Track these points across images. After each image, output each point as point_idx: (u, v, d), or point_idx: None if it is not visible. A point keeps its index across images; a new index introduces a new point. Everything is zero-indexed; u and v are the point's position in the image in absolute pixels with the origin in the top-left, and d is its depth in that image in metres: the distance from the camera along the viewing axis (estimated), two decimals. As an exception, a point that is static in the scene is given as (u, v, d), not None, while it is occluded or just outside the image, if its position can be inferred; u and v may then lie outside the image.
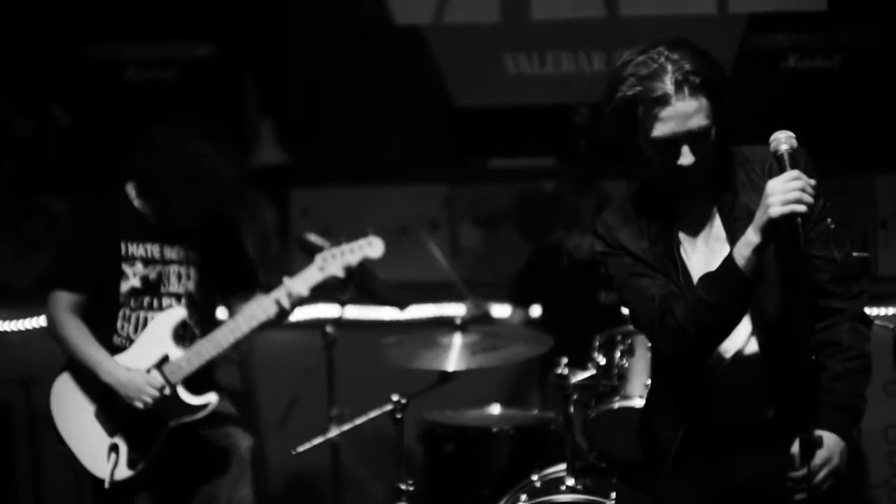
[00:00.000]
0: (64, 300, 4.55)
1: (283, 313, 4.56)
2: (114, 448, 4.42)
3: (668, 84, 2.92)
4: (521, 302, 6.14)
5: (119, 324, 4.57)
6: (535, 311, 6.18)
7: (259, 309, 4.55)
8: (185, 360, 4.53)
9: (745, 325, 3.08)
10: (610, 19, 6.88)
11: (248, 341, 4.86)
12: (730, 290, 2.92)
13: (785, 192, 2.80)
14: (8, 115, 7.43)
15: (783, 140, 2.92)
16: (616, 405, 4.55)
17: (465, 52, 7.05)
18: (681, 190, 3.08)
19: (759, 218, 2.85)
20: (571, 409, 4.54)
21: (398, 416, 4.78)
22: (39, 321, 6.49)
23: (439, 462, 5.16)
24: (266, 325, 4.59)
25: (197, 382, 4.58)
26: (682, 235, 3.14)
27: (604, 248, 3.20)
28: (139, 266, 4.57)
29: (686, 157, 2.95)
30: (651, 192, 3.16)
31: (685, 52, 2.96)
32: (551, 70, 6.99)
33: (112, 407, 4.52)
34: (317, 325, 5.89)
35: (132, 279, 4.55)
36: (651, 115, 2.93)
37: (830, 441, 2.98)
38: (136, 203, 4.62)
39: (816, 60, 6.52)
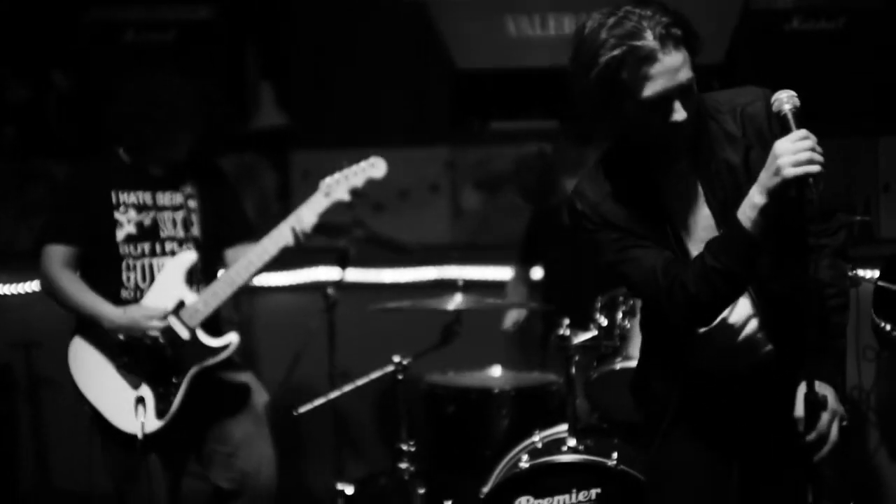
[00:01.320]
0: (57, 254, 4.54)
1: (296, 245, 4.56)
2: (140, 401, 4.39)
3: (651, 40, 2.84)
4: (525, 264, 6.13)
5: (124, 276, 4.56)
6: (538, 273, 6.16)
7: (270, 242, 4.55)
8: (201, 302, 4.54)
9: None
10: (613, -21, 6.80)
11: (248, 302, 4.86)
12: (740, 255, 2.86)
13: (795, 153, 2.74)
14: (6, 80, 7.42)
15: (785, 99, 2.86)
16: (618, 366, 4.55)
17: (467, 14, 7.00)
18: (666, 149, 3.02)
19: (768, 180, 2.78)
20: (573, 371, 4.53)
21: (399, 377, 4.78)
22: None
23: (441, 423, 5.17)
24: (276, 260, 4.59)
25: (215, 325, 4.59)
26: (664, 194, 3.08)
27: (588, 224, 3.11)
28: (132, 213, 4.56)
29: (679, 113, 2.89)
30: (624, 154, 3.10)
31: (656, 8, 2.89)
32: (553, 32, 6.94)
33: (132, 359, 4.52)
34: (317, 287, 5.88)
35: (126, 226, 4.55)
36: (639, 75, 2.85)
37: (828, 394, 2.95)
38: (124, 157, 4.63)
39: (820, 22, 6.47)
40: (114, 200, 4.58)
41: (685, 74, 2.90)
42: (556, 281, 5.88)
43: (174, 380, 4.53)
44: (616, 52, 2.85)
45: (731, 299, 3.00)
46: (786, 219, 2.83)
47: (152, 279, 4.57)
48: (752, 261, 2.88)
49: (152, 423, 4.49)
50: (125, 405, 4.48)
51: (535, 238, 6.02)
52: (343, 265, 5.44)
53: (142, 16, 6.80)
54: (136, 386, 4.53)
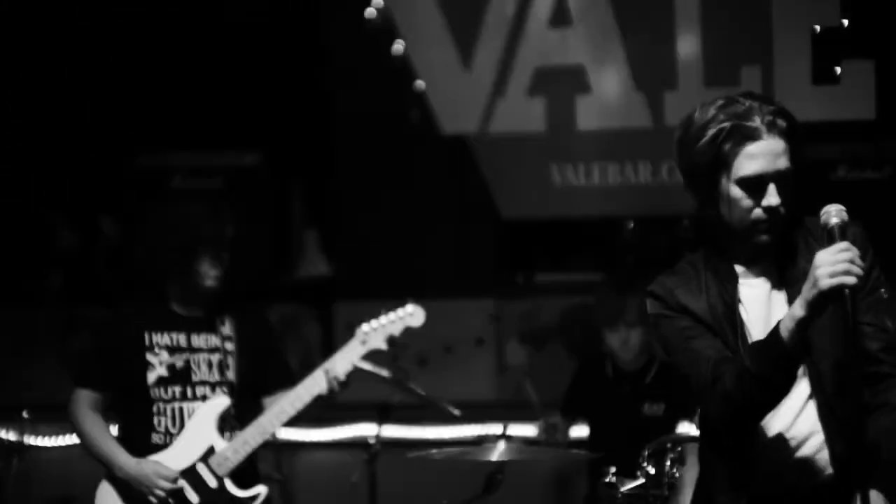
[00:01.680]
0: (85, 398, 4.51)
1: (330, 393, 4.47)
2: None
3: (758, 122, 2.94)
4: (569, 416, 6.01)
5: (155, 420, 4.47)
6: (583, 429, 6.04)
7: (304, 389, 4.46)
8: (231, 450, 4.43)
9: (803, 389, 3.02)
10: (656, 129, 6.83)
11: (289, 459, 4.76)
12: (773, 362, 2.87)
13: (833, 264, 2.73)
14: (56, 226, 7.51)
15: (834, 213, 2.84)
16: (669, 517, 4.38)
17: (511, 162, 7.03)
18: (751, 242, 3.01)
19: (807, 291, 2.78)
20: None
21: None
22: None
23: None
24: (310, 408, 4.49)
25: (245, 476, 4.49)
26: (742, 294, 3.07)
27: (661, 309, 3.11)
28: (165, 354, 4.50)
29: (773, 198, 2.93)
30: (712, 252, 3.11)
31: (764, 99, 3.01)
32: (597, 181, 6.95)
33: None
34: (358, 443, 5.79)
35: (158, 368, 4.48)
36: (741, 152, 2.94)
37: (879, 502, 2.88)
38: (162, 300, 4.60)
39: (866, 172, 6.44)
40: (147, 342, 4.53)
41: (784, 163, 2.94)
42: (601, 433, 5.75)
43: None
44: (724, 125, 2.94)
45: (763, 405, 2.96)
46: (835, 326, 2.83)
47: (182, 424, 4.50)
48: (784, 369, 2.87)
49: None
50: None
51: (579, 390, 5.91)
52: (384, 419, 5.35)
53: (189, 162, 6.89)
54: None
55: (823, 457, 3.03)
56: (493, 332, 6.85)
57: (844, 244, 2.77)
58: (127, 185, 7.03)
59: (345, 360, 4.52)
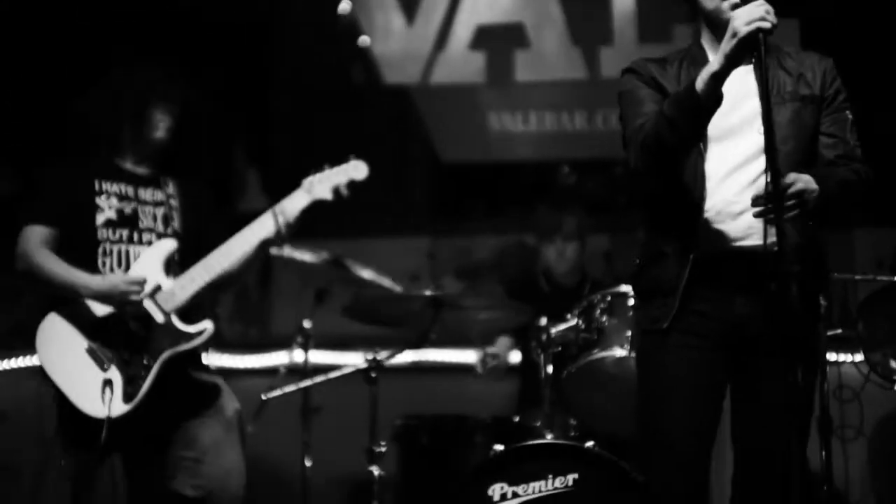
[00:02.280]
0: (35, 234, 4.44)
1: (276, 235, 4.54)
2: (108, 383, 4.25)
3: None
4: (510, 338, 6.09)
5: (100, 261, 4.47)
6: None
7: (250, 232, 4.53)
8: (178, 286, 4.45)
9: (753, 159, 3.23)
10: (592, 81, 7.11)
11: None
12: (685, 109, 3.11)
13: (750, 14, 3.00)
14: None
15: None
16: (597, 356, 4.47)
17: (451, 110, 7.25)
18: (724, 23, 3.15)
19: (725, 44, 3.03)
20: (551, 366, 4.48)
21: (372, 374, 4.70)
22: (12, 364, 6.52)
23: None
24: (258, 253, 4.55)
25: (191, 312, 4.53)
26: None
27: (633, 79, 3.37)
28: (114, 200, 4.52)
29: None
30: (696, 47, 3.38)
31: None
32: (534, 128, 7.17)
33: (103, 339, 4.41)
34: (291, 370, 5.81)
35: (107, 211, 4.49)
36: None
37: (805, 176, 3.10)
38: (117, 158, 4.67)
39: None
40: (97, 187, 4.59)
41: None
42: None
43: (145, 362, 4.42)
44: None
45: (671, 150, 3.19)
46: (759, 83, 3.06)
47: (128, 266, 4.53)
48: (694, 117, 3.12)
49: (119, 407, 4.35)
50: (92, 388, 4.34)
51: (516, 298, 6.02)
52: (320, 301, 5.43)
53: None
54: (105, 368, 4.41)
55: (760, 228, 3.13)
56: (429, 268, 6.96)
57: (759, 1, 3.03)
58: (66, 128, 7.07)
59: (291, 205, 4.61)
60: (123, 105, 4.56)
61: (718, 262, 3.25)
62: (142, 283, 4.40)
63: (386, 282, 5.32)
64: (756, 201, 3.05)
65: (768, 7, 3.03)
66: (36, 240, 4.47)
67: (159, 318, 4.44)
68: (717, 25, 3.26)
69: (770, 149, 2.96)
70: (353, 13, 7.53)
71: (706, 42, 3.37)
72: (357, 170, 4.75)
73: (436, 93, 7.32)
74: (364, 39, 7.44)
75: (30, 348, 6.41)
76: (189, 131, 4.73)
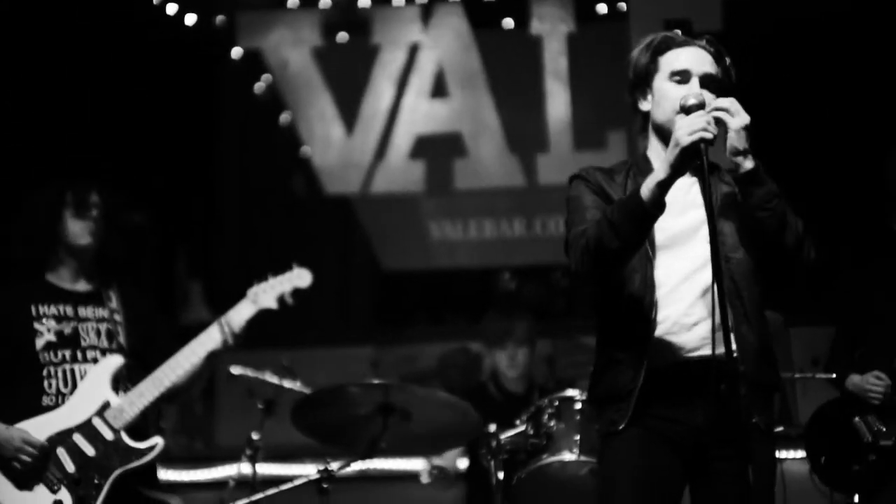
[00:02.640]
0: None
1: (223, 345, 4.54)
2: None
3: (686, 39, 3.41)
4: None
5: (45, 383, 4.44)
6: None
7: (198, 344, 4.52)
8: (127, 402, 4.42)
9: (700, 268, 3.27)
10: (530, 188, 7.27)
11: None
12: (629, 214, 3.17)
13: (690, 124, 3.10)
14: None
15: (693, 96, 3.21)
16: (547, 460, 4.52)
17: (392, 219, 7.36)
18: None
19: (669, 153, 3.12)
20: (501, 472, 4.52)
21: (325, 485, 4.69)
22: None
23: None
24: (206, 365, 4.55)
25: (140, 428, 4.50)
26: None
27: (581, 188, 3.42)
28: (52, 322, 4.49)
29: (695, 87, 3.27)
30: (641, 160, 3.44)
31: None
32: (474, 235, 7.29)
33: (52, 461, 4.38)
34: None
35: (46, 335, 4.45)
36: (671, 55, 3.35)
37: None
38: (48, 276, 4.67)
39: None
40: (33, 313, 4.56)
41: (710, 68, 3.35)
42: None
43: (96, 481, 4.39)
44: (658, 38, 3.41)
45: (612, 253, 3.22)
46: (703, 191, 3.12)
47: (74, 385, 4.50)
48: (638, 223, 3.18)
49: None
50: None
51: None
52: (269, 415, 5.44)
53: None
54: (54, 490, 4.38)
55: (714, 334, 3.16)
56: (373, 376, 6.98)
57: (700, 112, 3.13)
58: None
59: (238, 316, 4.63)
60: (36, 223, 4.56)
61: (673, 372, 3.27)
62: (38, 446, 4.36)
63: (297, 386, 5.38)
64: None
65: (709, 118, 3.13)
66: None
67: (109, 435, 4.40)
68: (667, 137, 3.31)
69: (715, 255, 3.06)
70: (293, 124, 7.68)
71: (653, 154, 3.44)
72: (301, 277, 4.77)
73: (376, 202, 7.45)
74: (305, 150, 7.58)
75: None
76: (123, 240, 4.76)
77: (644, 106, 3.41)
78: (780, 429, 5.04)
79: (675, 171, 3.12)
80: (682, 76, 3.32)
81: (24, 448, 4.32)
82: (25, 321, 4.48)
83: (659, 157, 3.36)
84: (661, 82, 3.35)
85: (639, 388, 3.26)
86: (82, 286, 4.63)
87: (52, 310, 4.53)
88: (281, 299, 4.70)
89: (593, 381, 3.45)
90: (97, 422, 4.41)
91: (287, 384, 5.44)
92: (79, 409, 4.42)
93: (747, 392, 3.18)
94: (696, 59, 3.36)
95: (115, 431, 4.41)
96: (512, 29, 7.71)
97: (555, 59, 7.68)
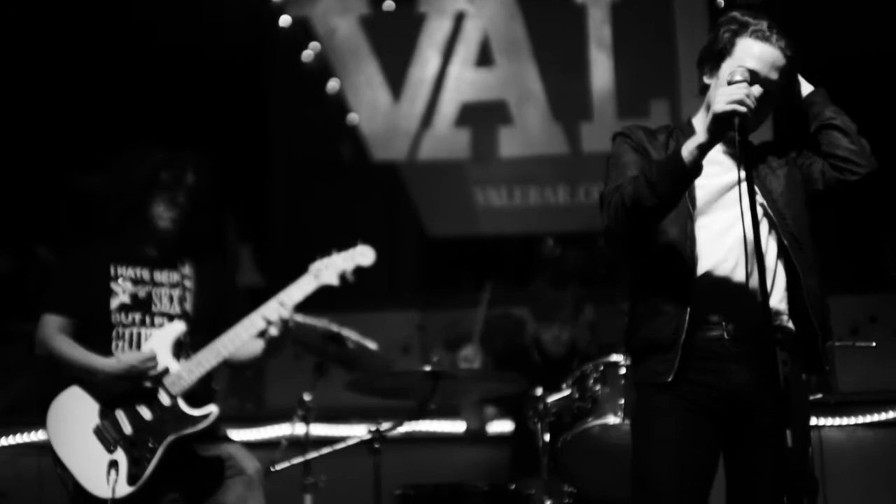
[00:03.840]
0: (53, 322, 4.54)
1: (285, 321, 4.64)
2: (113, 464, 4.31)
3: (771, 31, 3.38)
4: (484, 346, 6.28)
5: (113, 344, 4.58)
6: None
7: (257, 316, 4.64)
8: (185, 370, 4.53)
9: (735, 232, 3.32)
10: (573, 155, 7.36)
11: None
12: (668, 174, 3.23)
13: (730, 94, 3.16)
14: (-7, 251, 7.68)
15: (738, 72, 3.27)
16: (592, 423, 4.63)
17: (437, 186, 7.47)
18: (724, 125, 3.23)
19: (706, 117, 3.20)
20: (548, 435, 4.64)
21: (376, 445, 4.84)
22: (10, 440, 6.62)
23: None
24: (266, 337, 4.65)
25: (198, 396, 4.64)
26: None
27: (623, 143, 3.49)
28: (128, 284, 4.62)
29: (756, 89, 3.27)
30: (684, 125, 3.51)
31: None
32: (518, 202, 7.40)
33: (111, 421, 4.51)
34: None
35: (121, 296, 4.61)
36: (750, 46, 3.35)
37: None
38: (128, 236, 4.78)
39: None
40: (112, 273, 4.70)
41: (775, 75, 3.36)
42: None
43: (150, 445, 4.52)
44: (750, 17, 3.41)
45: (646, 210, 3.28)
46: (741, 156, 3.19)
47: (139, 348, 4.65)
48: (675, 183, 3.24)
49: (122, 489, 4.41)
50: (99, 467, 4.45)
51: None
52: (319, 375, 5.55)
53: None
54: (111, 449, 4.50)
55: (751, 290, 3.28)
56: (419, 340, 7.12)
57: (743, 83, 3.20)
58: (64, 207, 7.25)
59: (298, 291, 4.69)
60: (124, 197, 4.69)
61: (714, 329, 3.32)
62: (154, 357, 4.52)
63: (373, 345, 5.48)
64: None
65: (750, 91, 3.18)
66: (53, 327, 4.57)
67: (166, 400, 4.52)
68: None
69: (752, 210, 3.10)
70: (341, 91, 7.82)
71: (697, 121, 3.49)
72: (364, 255, 4.80)
73: (422, 169, 7.58)
74: (352, 117, 7.71)
75: (27, 425, 6.55)
76: (206, 219, 4.87)
77: (707, 79, 3.42)
78: (818, 396, 5.17)
79: (713, 137, 3.18)
80: (750, 76, 3.29)
81: (147, 364, 4.47)
82: (103, 280, 4.62)
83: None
84: (728, 70, 3.33)
85: (682, 339, 3.30)
86: (160, 251, 4.77)
87: (130, 272, 4.67)
88: (343, 276, 4.76)
89: (631, 331, 3.49)
90: (143, 349, 4.54)
91: (349, 334, 5.50)
92: None
93: (803, 348, 3.30)
94: (768, 62, 3.35)
95: (173, 397, 4.53)
96: (557, -2, 7.79)
97: (598, 28, 7.76)
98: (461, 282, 7.50)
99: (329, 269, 4.71)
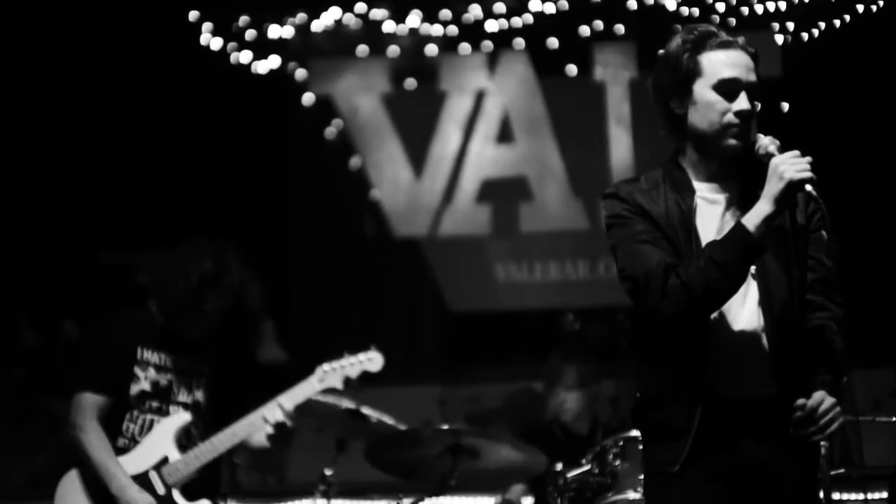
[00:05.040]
0: (90, 403, 4.52)
1: (282, 424, 4.56)
2: None
3: (731, 36, 3.20)
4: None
5: (125, 426, 4.56)
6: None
7: (258, 416, 4.59)
8: (183, 461, 4.55)
9: (753, 300, 3.20)
10: (593, 231, 7.42)
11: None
12: (739, 252, 3.05)
13: (795, 163, 3.01)
14: (21, 325, 7.77)
15: (768, 141, 3.14)
16: (612, 499, 4.63)
17: (459, 261, 7.55)
18: (721, 147, 3.18)
19: (773, 187, 3.03)
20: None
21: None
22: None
23: None
24: (266, 433, 4.68)
25: (192, 488, 4.57)
26: (698, 205, 3.22)
27: (619, 208, 3.23)
28: (151, 371, 4.62)
29: (745, 103, 3.15)
30: (672, 167, 3.27)
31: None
32: (539, 277, 7.46)
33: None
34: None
35: (143, 382, 4.60)
36: (717, 59, 3.17)
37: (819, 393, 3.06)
38: (155, 315, 4.83)
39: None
40: (138, 356, 4.73)
41: (754, 77, 3.20)
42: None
43: None
44: (703, 32, 3.23)
45: (721, 295, 3.12)
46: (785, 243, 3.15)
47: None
48: (748, 260, 3.08)
49: None
50: None
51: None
52: (341, 451, 5.57)
53: (152, 258, 7.24)
54: None
55: (769, 368, 3.16)
56: (440, 415, 7.14)
57: (797, 151, 3.06)
58: (89, 284, 7.34)
59: (300, 394, 4.67)
60: (175, 296, 4.63)
61: (728, 408, 3.17)
62: None
63: (397, 423, 5.47)
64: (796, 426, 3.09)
65: (807, 159, 3.06)
66: (90, 411, 4.50)
67: (160, 489, 4.53)
68: (707, 148, 3.21)
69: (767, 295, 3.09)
70: (363, 168, 7.94)
71: (688, 163, 3.27)
72: (373, 362, 4.76)
73: (444, 244, 7.67)
74: (375, 193, 7.83)
75: (46, 499, 6.57)
76: (243, 319, 4.92)
77: (680, 110, 3.21)
78: (841, 471, 5.16)
79: (781, 206, 3.04)
80: (731, 86, 3.17)
81: None
82: (129, 361, 4.60)
83: (696, 167, 3.24)
84: (705, 90, 3.17)
85: (695, 429, 3.16)
86: (186, 338, 4.77)
87: (155, 357, 4.65)
88: (347, 382, 4.77)
89: (640, 410, 3.32)
90: (153, 475, 4.54)
91: (369, 412, 5.51)
92: (140, 460, 4.55)
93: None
94: (742, 66, 3.19)
95: (167, 487, 4.55)
96: (575, 76, 7.90)
97: (617, 105, 7.87)
98: (482, 356, 7.55)
99: (335, 374, 4.71)
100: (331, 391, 4.75)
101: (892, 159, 7.19)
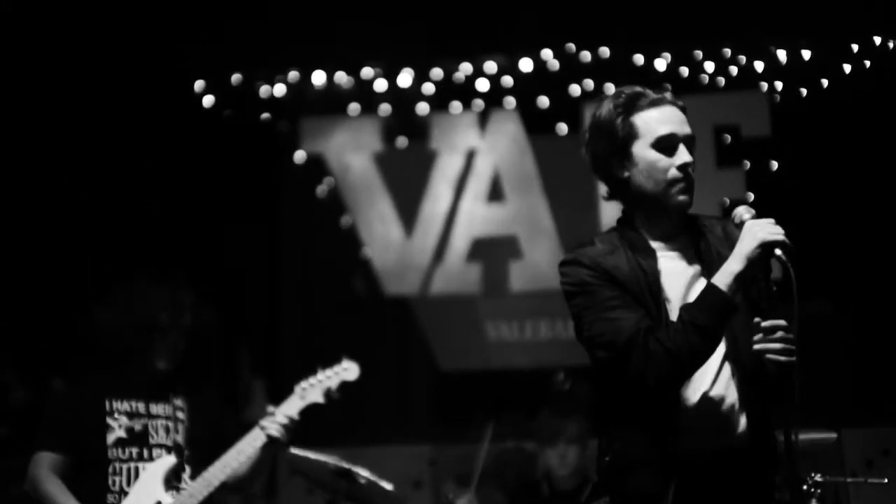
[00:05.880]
0: (46, 460, 4.58)
1: (269, 443, 4.64)
2: None
3: (658, 94, 3.33)
4: None
5: (110, 480, 4.59)
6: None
7: (245, 444, 4.65)
8: (177, 503, 4.63)
9: (720, 352, 3.23)
10: (584, 289, 7.40)
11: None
12: (716, 314, 3.11)
13: (768, 226, 3.11)
14: (8, 383, 7.70)
15: (744, 209, 3.22)
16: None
17: (449, 320, 7.53)
18: (670, 205, 3.26)
19: (746, 247, 3.10)
20: None
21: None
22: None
23: None
24: (256, 459, 4.67)
25: None
26: (661, 266, 3.29)
27: (585, 275, 3.29)
28: (124, 419, 4.65)
29: (686, 155, 3.25)
30: (626, 228, 3.39)
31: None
32: (530, 337, 7.43)
33: None
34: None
35: (117, 431, 4.62)
36: (651, 119, 3.28)
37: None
38: (124, 365, 4.80)
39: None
40: (107, 408, 4.71)
41: (688, 129, 3.32)
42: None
43: None
44: (631, 94, 3.32)
45: (704, 356, 3.17)
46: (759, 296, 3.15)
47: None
48: (725, 319, 3.14)
49: None
50: None
51: None
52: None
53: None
54: None
55: (739, 417, 3.23)
56: (430, 475, 7.09)
57: (771, 220, 3.13)
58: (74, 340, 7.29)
59: (283, 415, 4.75)
60: (125, 337, 4.70)
61: (701, 463, 3.19)
62: None
63: (387, 485, 5.44)
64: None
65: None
66: (46, 466, 4.59)
67: None
68: (657, 207, 3.28)
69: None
70: (354, 226, 7.95)
71: (640, 224, 3.36)
72: (348, 371, 4.89)
73: (434, 303, 7.65)
74: (365, 252, 7.83)
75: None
76: (201, 349, 4.92)
77: (623, 173, 3.31)
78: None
79: (751, 265, 3.09)
80: (669, 142, 3.26)
81: None
82: (98, 415, 4.65)
83: (649, 228, 3.32)
84: (645, 150, 3.27)
85: (671, 496, 3.18)
86: (154, 384, 4.79)
87: (125, 406, 4.70)
88: (328, 394, 4.81)
89: (611, 473, 3.31)
90: None
91: (359, 470, 5.47)
92: None
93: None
94: (675, 120, 3.29)
95: None
96: (566, 134, 7.92)
97: (608, 163, 7.86)
98: (473, 416, 7.49)
99: (315, 388, 4.81)
100: (314, 405, 4.80)
101: (885, 217, 7.21)
